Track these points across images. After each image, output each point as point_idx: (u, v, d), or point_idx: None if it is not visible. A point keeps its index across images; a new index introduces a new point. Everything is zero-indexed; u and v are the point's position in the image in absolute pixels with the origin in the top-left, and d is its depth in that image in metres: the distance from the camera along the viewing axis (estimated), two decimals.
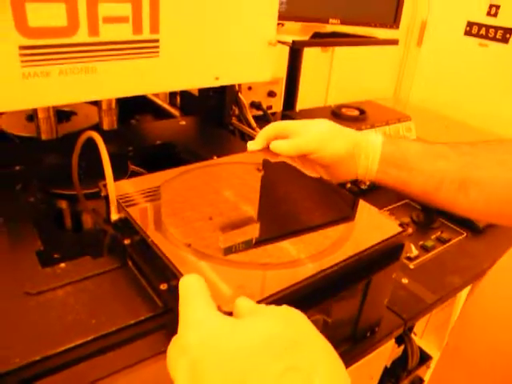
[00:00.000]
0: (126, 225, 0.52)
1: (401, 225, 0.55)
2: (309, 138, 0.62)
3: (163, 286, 0.45)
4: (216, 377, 0.29)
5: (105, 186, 0.53)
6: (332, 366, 0.30)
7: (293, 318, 0.33)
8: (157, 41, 0.66)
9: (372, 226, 0.57)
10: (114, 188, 0.52)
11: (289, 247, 0.51)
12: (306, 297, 0.46)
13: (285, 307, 0.35)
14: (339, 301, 0.56)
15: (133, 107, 1.05)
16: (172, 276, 0.43)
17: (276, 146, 0.64)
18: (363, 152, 0.62)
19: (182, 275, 0.42)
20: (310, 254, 0.49)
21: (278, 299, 0.42)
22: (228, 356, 0.30)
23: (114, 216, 0.52)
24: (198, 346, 0.31)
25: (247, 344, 0.30)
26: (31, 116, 0.89)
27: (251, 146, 0.67)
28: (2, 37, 0.53)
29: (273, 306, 0.35)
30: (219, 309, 0.37)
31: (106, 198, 0.53)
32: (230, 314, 0.37)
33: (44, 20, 0.55)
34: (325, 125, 0.64)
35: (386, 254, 0.54)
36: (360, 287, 0.55)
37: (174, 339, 0.34)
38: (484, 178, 0.57)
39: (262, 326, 0.32)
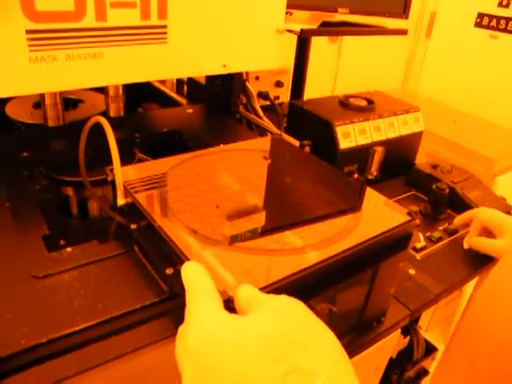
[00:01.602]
0: (133, 210, 0.52)
1: (409, 213, 0.55)
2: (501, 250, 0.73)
3: (169, 271, 0.44)
4: (218, 379, 0.29)
5: (111, 170, 0.53)
6: (336, 365, 0.29)
7: (294, 313, 0.32)
8: (164, 27, 0.66)
9: (380, 215, 0.57)
10: (121, 172, 0.52)
11: (295, 234, 0.51)
12: (313, 284, 0.46)
13: (284, 299, 0.34)
14: (346, 289, 0.56)
15: (140, 95, 1.05)
16: (178, 261, 0.43)
17: (474, 242, 0.79)
18: None
19: (188, 260, 0.42)
20: (317, 242, 0.49)
21: (283, 285, 0.42)
22: (229, 359, 0.29)
23: (121, 201, 0.52)
24: (200, 348, 0.31)
25: (248, 346, 0.30)
26: (38, 103, 0.89)
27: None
28: (9, 21, 0.53)
29: (272, 298, 0.34)
30: (224, 294, 0.37)
31: (113, 182, 0.53)
32: None
33: (51, 4, 0.55)
34: None
35: (394, 243, 0.53)
36: (367, 275, 0.55)
37: (181, 330, 0.34)
38: None
39: (263, 325, 0.31)
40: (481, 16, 1.93)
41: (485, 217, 0.80)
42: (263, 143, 0.67)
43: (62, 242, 0.57)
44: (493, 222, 0.78)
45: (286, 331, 0.30)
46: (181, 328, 0.34)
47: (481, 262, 0.79)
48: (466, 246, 0.81)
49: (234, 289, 0.37)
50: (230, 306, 0.36)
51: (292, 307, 0.33)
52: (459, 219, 0.86)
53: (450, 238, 0.85)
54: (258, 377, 0.28)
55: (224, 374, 0.29)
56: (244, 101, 1.02)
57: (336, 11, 1.03)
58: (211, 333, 0.31)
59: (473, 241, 0.79)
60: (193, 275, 0.36)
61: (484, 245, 0.78)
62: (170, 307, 0.45)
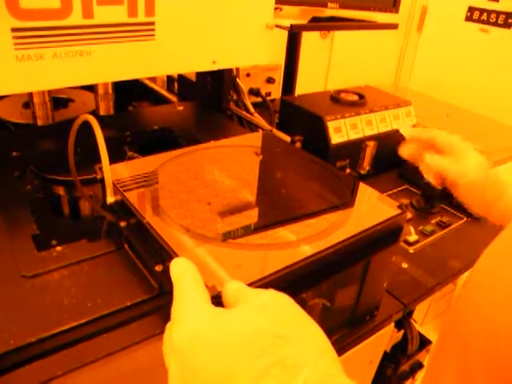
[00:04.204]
0: (122, 207, 0.52)
1: (399, 206, 0.55)
2: (459, 172, 0.67)
3: (158, 268, 0.44)
4: (203, 375, 0.29)
5: (100, 168, 0.52)
6: (320, 358, 0.29)
7: (278, 307, 0.32)
8: (152, 24, 0.65)
9: (371, 208, 0.57)
10: (110, 170, 0.52)
11: (287, 229, 0.50)
12: (305, 278, 0.46)
13: (270, 293, 0.33)
14: (338, 283, 0.56)
15: (130, 94, 1.05)
16: (167, 257, 0.43)
17: (430, 160, 0.69)
18: (502, 204, 0.65)
19: (177, 256, 0.41)
20: (309, 236, 0.49)
21: (276, 279, 0.42)
22: (213, 355, 0.29)
23: (110, 199, 0.52)
24: (184, 345, 0.31)
25: (232, 342, 0.29)
26: (28, 103, 0.88)
27: (404, 130, 0.76)
28: None
29: (258, 293, 0.34)
30: (213, 289, 0.36)
31: (102, 180, 0.53)
32: None
33: (36, 1, 0.55)
34: (477, 169, 0.67)
35: (385, 236, 0.53)
36: (359, 269, 0.55)
37: (168, 326, 0.33)
38: None
39: (247, 320, 0.31)
40: (471, 10, 1.94)
41: (442, 140, 0.71)
42: (254, 139, 0.67)
43: (52, 241, 0.57)
44: (451, 146, 0.70)
45: (271, 325, 0.30)
46: (168, 324, 0.34)
47: (474, 254, 0.79)
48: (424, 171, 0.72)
49: (224, 284, 0.37)
50: (218, 301, 0.36)
51: (277, 301, 0.33)
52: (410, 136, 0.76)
53: (442, 232, 0.85)
54: (241, 372, 0.28)
55: (208, 370, 0.29)
56: (235, 97, 1.02)
57: (326, 6, 1.03)
58: (195, 329, 0.31)
59: (431, 159, 0.70)
60: (181, 271, 0.36)
61: (443, 164, 0.69)
62: (160, 304, 0.44)
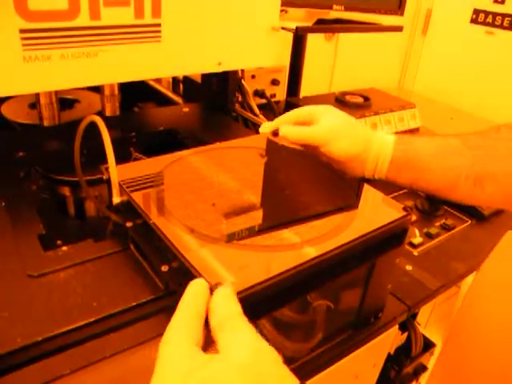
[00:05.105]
0: (128, 208, 0.52)
1: (404, 208, 0.55)
2: (317, 130, 0.60)
3: (164, 268, 0.44)
4: None
5: (107, 169, 0.53)
6: None
7: (262, 372, 0.30)
8: (158, 25, 0.66)
9: (376, 210, 0.57)
10: (116, 170, 0.52)
11: (291, 230, 0.51)
12: (309, 279, 0.46)
13: (255, 350, 0.31)
14: (343, 285, 0.56)
15: (136, 95, 1.05)
16: (173, 258, 0.43)
17: (285, 131, 0.62)
18: (372, 155, 0.60)
19: (183, 256, 0.42)
20: (314, 237, 0.49)
21: (281, 280, 0.42)
22: None
23: (116, 199, 0.52)
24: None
25: None
26: (34, 104, 0.89)
27: (263, 129, 0.65)
28: (3, 20, 0.53)
29: (242, 345, 0.31)
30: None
31: (108, 181, 0.53)
32: None
33: (44, 3, 0.55)
34: (338, 120, 0.61)
35: (390, 238, 0.53)
36: (364, 271, 0.55)
37: (161, 342, 0.33)
38: (498, 170, 0.55)
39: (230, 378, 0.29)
40: (476, 12, 1.94)
41: (299, 110, 0.65)
42: (259, 140, 0.67)
43: (58, 241, 0.57)
44: (308, 112, 0.63)
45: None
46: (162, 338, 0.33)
47: (478, 257, 0.79)
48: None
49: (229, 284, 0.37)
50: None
51: (260, 361, 0.30)
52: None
53: (446, 234, 0.85)
54: None
55: None
56: (240, 99, 1.02)
57: (331, 8, 1.03)
58: (174, 374, 0.30)
59: (286, 129, 0.62)
60: (186, 297, 0.35)
61: (300, 132, 0.61)
62: (166, 304, 0.44)
